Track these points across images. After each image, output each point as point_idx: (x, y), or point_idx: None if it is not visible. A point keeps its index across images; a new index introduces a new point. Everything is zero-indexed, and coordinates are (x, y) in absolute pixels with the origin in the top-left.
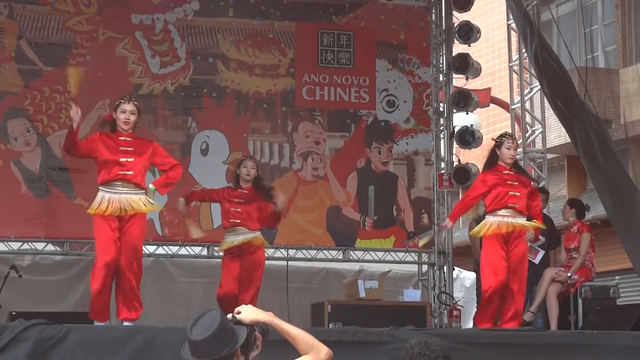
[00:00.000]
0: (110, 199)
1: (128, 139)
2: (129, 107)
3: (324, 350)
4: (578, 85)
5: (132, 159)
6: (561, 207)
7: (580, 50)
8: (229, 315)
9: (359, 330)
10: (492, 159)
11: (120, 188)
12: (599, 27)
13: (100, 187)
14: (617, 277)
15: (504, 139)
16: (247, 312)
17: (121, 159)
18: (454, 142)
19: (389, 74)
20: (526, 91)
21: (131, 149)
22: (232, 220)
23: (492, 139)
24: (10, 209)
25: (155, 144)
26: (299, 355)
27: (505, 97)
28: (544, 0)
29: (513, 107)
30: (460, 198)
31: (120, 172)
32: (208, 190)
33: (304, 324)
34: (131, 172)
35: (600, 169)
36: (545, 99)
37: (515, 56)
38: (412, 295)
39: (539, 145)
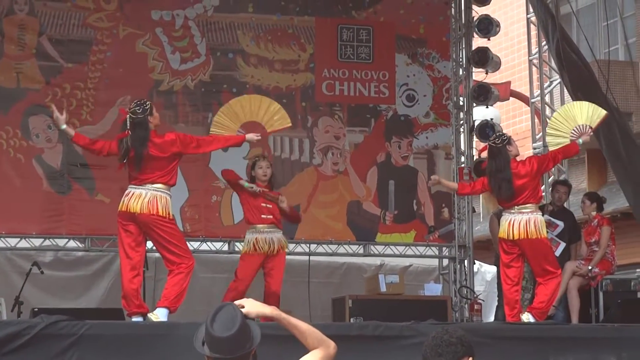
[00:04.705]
0: None
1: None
2: None
3: (332, 344)
4: (599, 78)
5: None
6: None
7: (600, 43)
8: None
9: (380, 325)
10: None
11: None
12: (618, 20)
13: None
14: (638, 270)
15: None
16: (252, 306)
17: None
18: (474, 136)
19: (409, 68)
20: (546, 84)
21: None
22: (263, 217)
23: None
24: (31, 205)
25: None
26: (306, 351)
27: (525, 90)
28: None
29: (533, 100)
30: None
31: None
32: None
33: (324, 319)
34: None
35: (622, 161)
36: (565, 92)
37: (534, 50)
38: (433, 289)
39: None
